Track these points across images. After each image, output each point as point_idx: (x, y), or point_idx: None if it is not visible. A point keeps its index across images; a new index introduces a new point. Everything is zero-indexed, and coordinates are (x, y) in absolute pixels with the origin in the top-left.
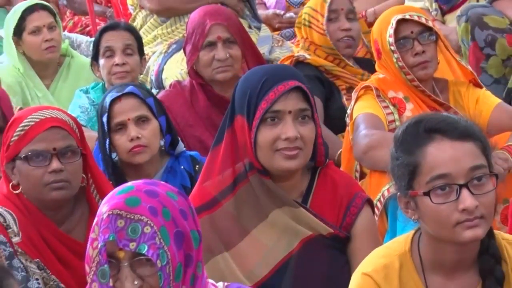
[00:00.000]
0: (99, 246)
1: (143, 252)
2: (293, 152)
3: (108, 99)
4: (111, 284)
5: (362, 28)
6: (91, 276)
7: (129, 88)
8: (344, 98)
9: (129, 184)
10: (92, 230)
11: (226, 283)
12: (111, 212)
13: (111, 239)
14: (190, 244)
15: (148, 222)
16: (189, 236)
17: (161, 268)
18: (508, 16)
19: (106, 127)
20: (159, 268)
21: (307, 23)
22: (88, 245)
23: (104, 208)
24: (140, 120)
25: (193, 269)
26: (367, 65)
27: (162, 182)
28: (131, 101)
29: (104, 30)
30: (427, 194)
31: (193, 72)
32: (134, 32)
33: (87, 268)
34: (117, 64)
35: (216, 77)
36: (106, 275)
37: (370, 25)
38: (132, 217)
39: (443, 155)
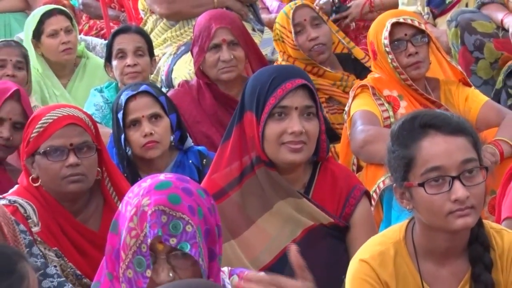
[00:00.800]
0: (145, 238)
1: (186, 250)
2: (298, 146)
3: (123, 97)
4: (148, 275)
5: (332, 28)
6: (126, 263)
7: (143, 87)
8: (324, 111)
9: (163, 178)
10: (131, 219)
11: (230, 268)
12: (157, 208)
13: (160, 234)
14: (214, 239)
15: (189, 221)
16: (214, 232)
17: (201, 265)
18: (495, 20)
19: (121, 123)
20: (200, 265)
21: (280, 38)
22: (125, 233)
23: (145, 201)
24: (153, 117)
25: (216, 262)
26: (347, 59)
27: (189, 179)
28: (145, 99)
29: (116, 33)
30: (421, 185)
31: (200, 72)
32: (144, 35)
33: (122, 255)
34: (128, 65)
35: (221, 77)
36: (143, 264)
37: (372, 12)
38: (174, 214)
39: (437, 149)
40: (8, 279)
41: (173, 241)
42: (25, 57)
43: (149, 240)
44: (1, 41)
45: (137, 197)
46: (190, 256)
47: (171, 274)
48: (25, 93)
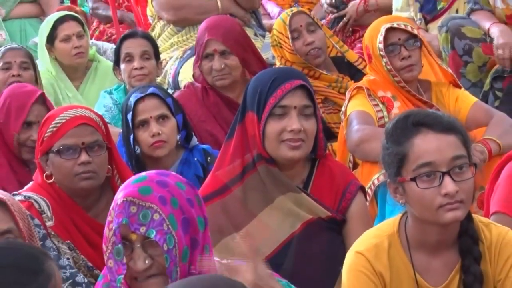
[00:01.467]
0: (113, 228)
1: (151, 236)
2: (297, 143)
3: (132, 99)
4: (125, 261)
5: (326, 33)
6: (107, 254)
7: (151, 90)
8: (320, 111)
9: (143, 174)
10: (109, 214)
11: (231, 260)
12: (125, 199)
13: (124, 222)
14: (196, 229)
15: (157, 210)
16: (195, 222)
17: (168, 251)
18: (482, 28)
19: (130, 123)
20: (165, 250)
21: (278, 44)
22: (105, 227)
23: (119, 194)
24: (161, 118)
25: (200, 251)
26: (341, 62)
27: (173, 173)
28: (153, 101)
29: (124, 38)
30: (413, 180)
31: (203, 76)
32: (150, 39)
33: (104, 247)
34: (136, 68)
35: (215, 83)
36: (121, 253)
37: (367, 11)
38: (144, 204)
39: (428, 146)
40: (37, 278)
41: (143, 230)
42: (30, 57)
43: (114, 228)
44: (5, 46)
45: (117, 194)
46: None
47: (147, 261)
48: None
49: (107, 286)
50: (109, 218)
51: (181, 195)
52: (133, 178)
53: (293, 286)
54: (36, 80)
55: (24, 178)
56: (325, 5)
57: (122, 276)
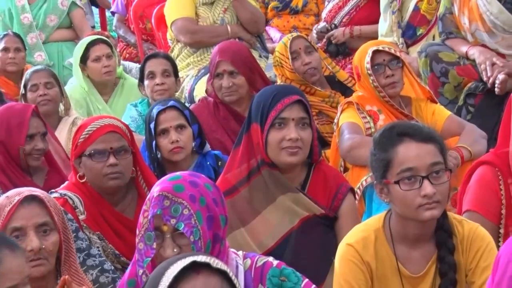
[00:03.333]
0: (149, 216)
1: (180, 228)
2: (295, 150)
3: (155, 111)
4: (154, 246)
5: (321, 55)
6: (139, 237)
7: (171, 103)
8: (315, 122)
9: (178, 173)
10: (145, 203)
11: (244, 252)
12: (161, 193)
13: (158, 213)
14: (218, 226)
15: (187, 206)
16: (218, 220)
17: (194, 242)
18: (459, 52)
19: (153, 132)
20: (192, 242)
21: (279, 64)
22: (140, 215)
23: (156, 188)
24: (179, 127)
25: (219, 244)
26: (333, 80)
27: (203, 175)
28: (173, 112)
29: (147, 59)
30: (397, 182)
31: (212, 91)
32: (170, 59)
33: (137, 232)
34: (157, 84)
35: (224, 99)
36: (151, 238)
37: (351, 37)
38: (176, 200)
39: (410, 153)
40: None
41: (173, 221)
42: (53, 76)
43: (150, 217)
44: (31, 70)
45: (154, 187)
46: None
47: (175, 250)
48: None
49: (132, 283)
50: (144, 207)
51: (208, 195)
52: (169, 176)
53: (298, 273)
54: (62, 95)
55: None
56: (315, 33)
57: (150, 258)
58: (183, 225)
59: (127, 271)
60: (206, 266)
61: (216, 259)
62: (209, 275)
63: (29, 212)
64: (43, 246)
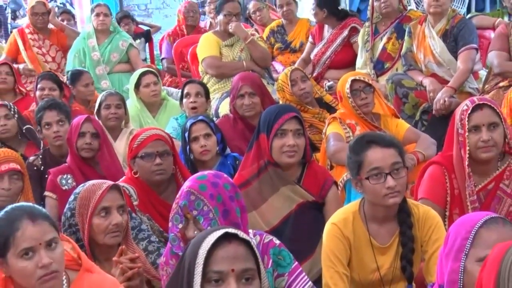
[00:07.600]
0: (179, 204)
1: (200, 222)
2: (292, 153)
3: (188, 123)
4: (179, 226)
5: (312, 83)
6: (170, 217)
7: (200, 117)
8: (307, 133)
9: (205, 173)
10: (178, 194)
11: (254, 230)
12: (188, 189)
13: (185, 203)
14: (235, 217)
15: (207, 203)
16: (234, 212)
17: None
18: (416, 80)
19: (187, 139)
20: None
21: (281, 89)
22: (174, 202)
23: (187, 183)
24: (207, 136)
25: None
26: (321, 102)
27: (225, 176)
28: (202, 124)
29: (186, 84)
30: (367, 178)
31: (234, 110)
32: (202, 85)
33: (170, 215)
34: (191, 102)
35: (245, 114)
36: (178, 220)
37: (328, 88)
38: (199, 196)
39: (376, 156)
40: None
41: (195, 213)
42: (122, 99)
43: (180, 204)
44: (106, 92)
45: (186, 182)
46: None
47: (195, 232)
48: (94, 117)
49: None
50: (177, 196)
51: (225, 193)
52: (198, 174)
53: (292, 255)
54: (125, 113)
55: (91, 174)
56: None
57: (174, 233)
58: (202, 219)
59: (168, 243)
60: (235, 236)
61: (242, 232)
62: (238, 244)
63: (113, 196)
64: (122, 222)
